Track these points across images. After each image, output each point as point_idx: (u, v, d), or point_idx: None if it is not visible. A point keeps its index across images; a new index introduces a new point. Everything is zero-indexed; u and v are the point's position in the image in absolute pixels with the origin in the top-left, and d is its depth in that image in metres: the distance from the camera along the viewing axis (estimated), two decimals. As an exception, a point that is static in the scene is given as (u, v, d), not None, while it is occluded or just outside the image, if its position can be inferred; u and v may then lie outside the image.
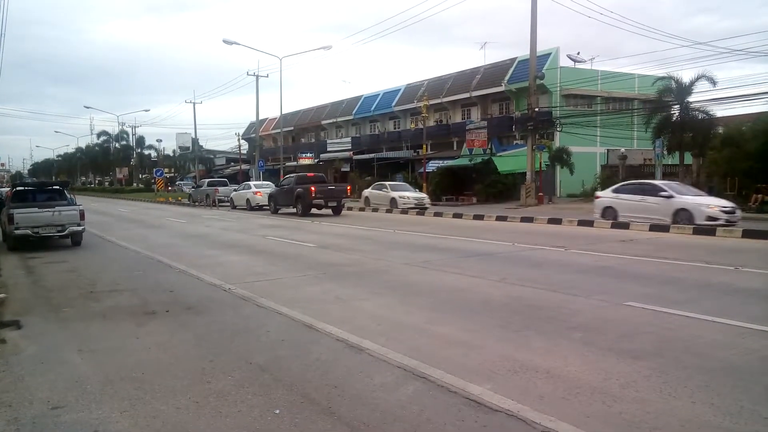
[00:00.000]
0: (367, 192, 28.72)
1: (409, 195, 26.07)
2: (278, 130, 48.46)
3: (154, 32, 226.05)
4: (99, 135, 78.60)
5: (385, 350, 5.10)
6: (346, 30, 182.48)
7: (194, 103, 53.32)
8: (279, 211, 25.03)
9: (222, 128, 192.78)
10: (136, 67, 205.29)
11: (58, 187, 16.04)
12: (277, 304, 7.02)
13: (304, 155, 49.26)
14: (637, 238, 13.73)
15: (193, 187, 40.23)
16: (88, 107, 69.09)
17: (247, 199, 28.67)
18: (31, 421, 3.88)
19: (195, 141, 59.60)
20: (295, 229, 17.48)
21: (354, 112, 49.74)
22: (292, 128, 56.12)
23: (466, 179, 32.60)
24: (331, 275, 9.25)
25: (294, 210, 23.62)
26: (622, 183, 18.34)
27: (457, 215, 21.67)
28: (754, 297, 7.31)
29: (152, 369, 4.84)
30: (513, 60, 36.12)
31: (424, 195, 26.76)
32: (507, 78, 35.72)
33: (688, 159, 25.87)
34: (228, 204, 31.49)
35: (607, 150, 32.53)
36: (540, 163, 28.49)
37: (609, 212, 17.16)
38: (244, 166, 53.67)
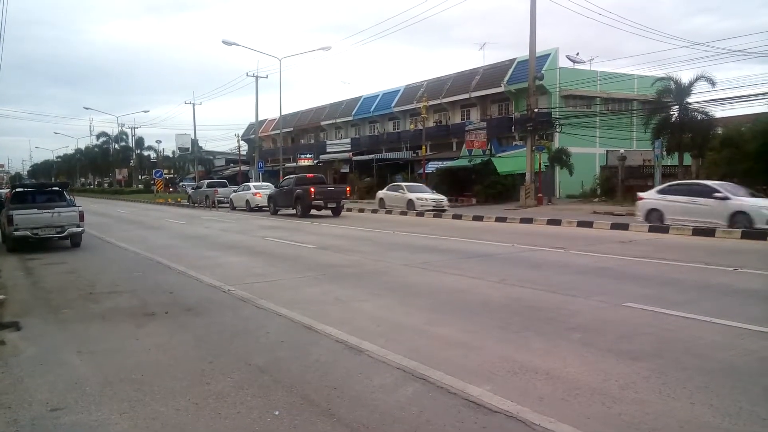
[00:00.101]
0: (381, 193, 27.68)
1: (427, 197, 25.11)
2: (278, 131, 48.47)
3: (153, 33, 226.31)
4: (98, 136, 78.64)
5: (385, 351, 5.10)
6: (346, 31, 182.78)
7: (194, 104, 53.36)
8: (278, 212, 25.03)
9: (221, 129, 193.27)
10: (135, 67, 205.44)
11: (57, 188, 16.02)
12: (276, 306, 7.02)
13: (303, 156, 49.27)
14: (637, 239, 13.74)
15: (193, 188, 40.21)
16: (87, 108, 69.13)
17: (247, 201, 28.66)
18: (30, 423, 3.87)
19: (194, 142, 59.66)
20: (294, 230, 17.49)
21: (353, 113, 49.75)
22: (291, 129, 56.13)
23: (465, 180, 32.61)
24: (330, 276, 9.25)
25: (293, 211, 23.62)
26: (669, 183, 17.20)
27: (456, 216, 21.67)
28: (754, 298, 7.32)
29: (152, 370, 4.84)
30: (512, 61, 36.15)
31: (442, 197, 25.60)
32: (506, 79, 35.74)
33: (688, 160, 25.89)
34: (227, 205, 31.49)
35: (607, 151, 32.55)
36: (539, 164, 28.51)
37: (654, 215, 16.08)
38: (244, 167, 53.69)
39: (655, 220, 15.91)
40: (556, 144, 31.52)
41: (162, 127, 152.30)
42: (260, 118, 47.01)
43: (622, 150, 30.28)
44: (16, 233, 13.09)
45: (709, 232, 14.31)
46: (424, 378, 4.44)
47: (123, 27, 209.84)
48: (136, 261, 11.74)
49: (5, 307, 7.35)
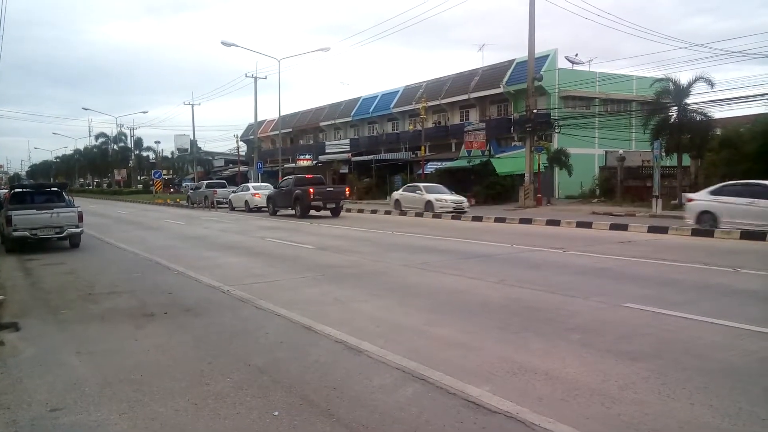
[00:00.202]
0: (397, 194, 26.65)
1: (447, 198, 23.90)
2: (277, 132, 48.47)
3: (153, 33, 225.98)
4: (97, 137, 78.60)
5: (384, 352, 5.10)
6: (345, 31, 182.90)
7: (193, 105, 53.34)
8: (277, 213, 25.03)
9: (220, 130, 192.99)
10: (135, 68, 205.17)
11: (56, 188, 16.05)
12: (275, 306, 7.02)
13: (302, 157, 49.27)
14: (636, 240, 13.75)
15: (192, 189, 40.20)
16: (86, 109, 68.60)
17: (246, 201, 28.66)
18: (29, 423, 3.87)
19: (193, 143, 59.67)
20: (293, 231, 17.48)
21: (352, 113, 49.77)
22: (290, 130, 56.14)
23: (464, 181, 32.63)
24: (329, 277, 9.25)
25: (292, 212, 23.62)
26: (724, 184, 15.79)
27: (455, 217, 21.69)
28: (753, 298, 7.32)
29: (151, 371, 4.84)
30: (511, 62, 36.18)
31: (462, 198, 24.43)
32: (505, 80, 35.77)
33: (687, 161, 25.92)
34: (226, 206, 31.50)
35: (606, 152, 32.60)
36: (538, 164, 28.54)
37: (706, 217, 14.89)
38: (243, 168, 53.66)
39: (707, 224, 14.82)
40: (555, 145, 31.56)
41: (161, 128, 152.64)
42: (259, 119, 47.02)
43: (621, 151, 30.33)
44: (15, 234, 13.07)
45: (708, 233, 14.32)
46: (423, 378, 4.44)
47: (122, 28, 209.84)
48: (135, 261, 11.73)
49: (4, 308, 7.34)
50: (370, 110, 47.78)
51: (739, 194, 14.67)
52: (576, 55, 37.99)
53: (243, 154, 56.30)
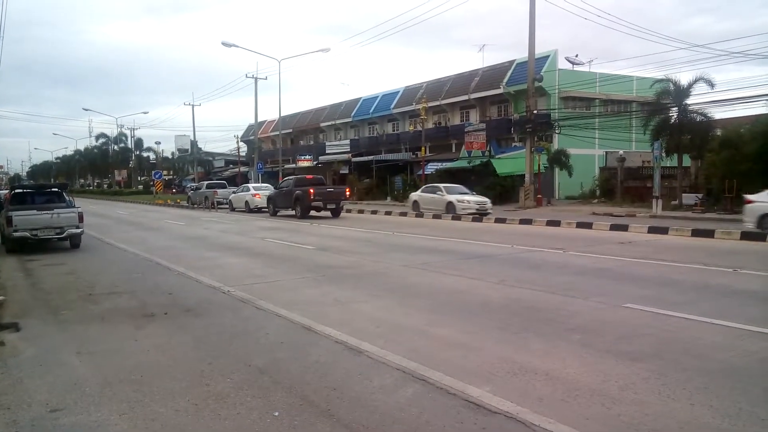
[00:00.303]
0: (415, 195, 25.26)
1: (470, 198, 22.56)
2: (277, 133, 48.49)
3: (153, 34, 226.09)
4: (98, 137, 78.70)
5: (384, 352, 5.10)
6: (345, 32, 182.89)
7: (193, 105, 53.35)
8: (278, 214, 25.03)
9: (221, 130, 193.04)
10: (135, 68, 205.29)
11: (56, 189, 16.05)
12: (276, 307, 7.02)
13: (302, 157, 49.29)
14: (636, 240, 13.75)
15: (192, 189, 40.25)
16: (86, 109, 68.78)
17: (246, 202, 28.67)
18: (30, 424, 3.87)
19: (194, 143, 59.67)
20: (293, 232, 17.49)
21: (353, 114, 49.78)
22: (290, 130, 56.15)
23: (464, 181, 32.59)
24: (330, 277, 9.25)
25: (293, 212, 23.63)
26: None
27: (455, 217, 21.68)
28: (753, 299, 7.32)
29: (151, 371, 4.84)
30: (511, 62, 36.19)
31: (485, 199, 23.17)
32: (505, 80, 35.78)
33: (687, 161, 25.93)
34: (227, 206, 31.51)
35: (606, 152, 32.60)
36: (539, 165, 28.54)
37: None
38: (243, 169, 53.69)
39: None
40: (556, 145, 31.57)
41: (161, 129, 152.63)
42: (259, 120, 47.04)
43: (621, 151, 30.33)
44: (16, 234, 13.08)
45: (708, 233, 14.29)
46: (423, 379, 4.44)
47: (122, 28, 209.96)
48: (135, 262, 11.73)
49: (5, 308, 7.35)
50: (371, 111, 47.78)
51: None
52: (576, 55, 38.05)
53: (243, 154, 56.33)
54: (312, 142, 56.01)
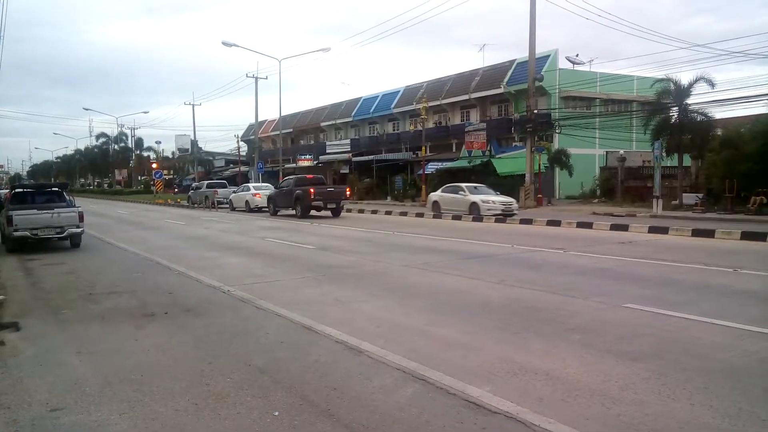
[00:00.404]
0: (436, 195, 24.15)
1: (495, 199, 21.61)
2: (277, 132, 48.50)
3: (153, 34, 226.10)
4: (98, 137, 78.76)
5: (384, 352, 5.10)
6: (345, 32, 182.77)
7: (193, 105, 53.41)
8: (278, 213, 25.03)
9: (221, 130, 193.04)
10: (135, 68, 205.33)
11: (57, 188, 16.05)
12: (276, 306, 7.02)
13: (303, 157, 49.29)
14: (636, 240, 13.75)
15: (192, 189, 40.28)
16: (87, 109, 68.89)
17: (246, 201, 28.68)
18: (30, 423, 3.87)
19: (194, 143, 59.67)
20: (294, 231, 17.49)
21: (353, 113, 49.78)
22: (291, 130, 56.15)
23: (465, 181, 32.53)
24: (330, 277, 9.25)
25: (293, 212, 23.63)
26: None
27: (456, 217, 21.67)
28: (753, 299, 7.32)
29: (151, 371, 4.84)
30: (512, 62, 36.19)
31: (511, 199, 22.44)
32: (506, 80, 35.78)
33: (687, 161, 25.91)
34: (227, 206, 31.51)
35: (606, 152, 32.60)
36: (539, 164, 28.53)
37: None
38: (243, 168, 53.70)
39: None
40: (556, 145, 31.57)
41: (162, 128, 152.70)
42: (260, 119, 47.05)
43: (621, 151, 30.32)
44: (16, 234, 13.08)
45: (708, 233, 14.29)
46: (423, 379, 4.44)
47: (122, 28, 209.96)
48: (135, 262, 11.73)
49: (5, 308, 7.35)
50: (371, 110, 47.79)
51: None
52: (577, 55, 38.05)
53: (244, 154, 56.34)
54: (312, 142, 56.00)
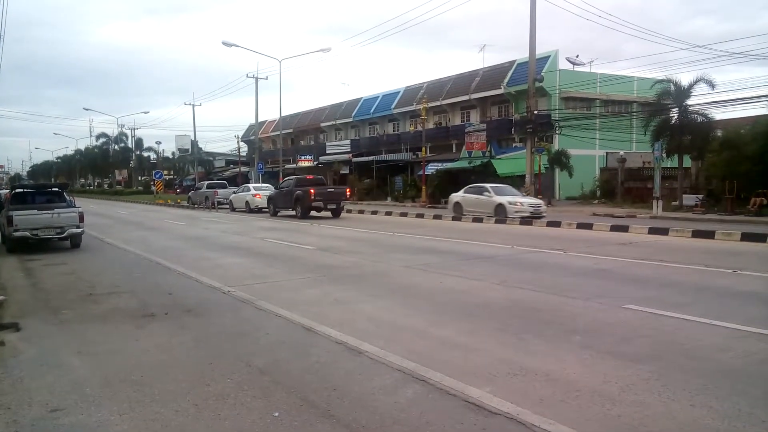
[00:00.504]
0: (458, 196, 23.05)
1: (523, 200, 20.81)
2: (277, 133, 48.49)
3: (153, 34, 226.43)
4: (98, 137, 78.72)
5: (385, 353, 5.10)
6: (346, 32, 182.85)
7: (193, 105, 53.35)
8: (278, 214, 25.02)
9: (221, 130, 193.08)
10: (135, 69, 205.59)
11: (57, 189, 16.05)
12: (276, 307, 7.02)
13: (303, 157, 49.33)
14: (636, 241, 13.75)
15: (193, 190, 40.29)
16: (87, 109, 69.03)
17: (246, 202, 28.68)
18: (30, 424, 3.87)
19: (194, 143, 59.69)
20: (294, 232, 17.49)
21: (353, 114, 49.79)
22: (291, 130, 56.18)
23: (465, 182, 32.55)
24: (330, 278, 9.25)
25: (293, 212, 23.62)
26: None
27: (456, 218, 21.67)
28: (753, 300, 7.32)
29: (151, 371, 4.84)
30: (512, 63, 36.21)
31: (539, 201, 21.68)
32: (506, 81, 35.79)
33: (687, 162, 25.93)
34: (227, 206, 31.51)
35: (606, 153, 32.62)
36: (539, 165, 28.53)
37: None
38: (243, 169, 53.73)
39: None
40: (556, 146, 31.58)
41: (162, 129, 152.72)
42: (260, 120, 47.05)
43: (621, 152, 30.35)
44: (16, 234, 13.08)
45: (709, 234, 14.28)
46: (424, 379, 4.44)
47: (122, 28, 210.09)
48: (135, 262, 11.73)
49: (5, 308, 7.35)
50: (371, 111, 47.80)
51: None
52: (577, 56, 38.08)
53: (244, 154, 56.38)
54: (312, 142, 56.03)
